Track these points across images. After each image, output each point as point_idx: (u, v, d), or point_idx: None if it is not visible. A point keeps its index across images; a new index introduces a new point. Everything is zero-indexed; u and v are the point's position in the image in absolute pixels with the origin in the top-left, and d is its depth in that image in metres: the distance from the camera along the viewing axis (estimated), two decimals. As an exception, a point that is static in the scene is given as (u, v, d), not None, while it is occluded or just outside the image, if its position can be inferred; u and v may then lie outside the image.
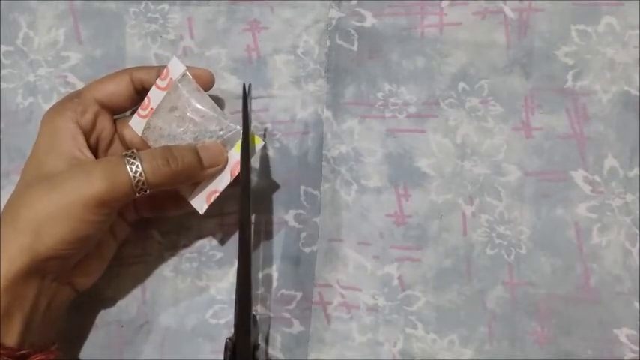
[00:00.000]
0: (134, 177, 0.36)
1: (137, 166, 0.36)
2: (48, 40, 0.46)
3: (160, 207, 0.42)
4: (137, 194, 0.37)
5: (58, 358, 0.38)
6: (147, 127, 0.40)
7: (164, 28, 0.46)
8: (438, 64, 0.45)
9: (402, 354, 0.43)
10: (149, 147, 0.40)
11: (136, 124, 0.40)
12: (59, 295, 0.38)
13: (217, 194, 0.40)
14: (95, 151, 0.40)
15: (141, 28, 0.46)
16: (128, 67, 0.45)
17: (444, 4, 0.45)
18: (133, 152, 0.37)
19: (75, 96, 0.39)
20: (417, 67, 0.45)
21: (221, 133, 0.40)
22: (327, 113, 0.45)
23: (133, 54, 0.46)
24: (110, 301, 0.44)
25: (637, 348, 0.42)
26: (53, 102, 0.45)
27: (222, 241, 0.44)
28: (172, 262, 0.44)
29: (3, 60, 0.46)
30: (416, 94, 0.45)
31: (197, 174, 0.39)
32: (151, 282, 0.44)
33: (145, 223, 0.44)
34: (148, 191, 0.37)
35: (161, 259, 0.44)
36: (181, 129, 0.40)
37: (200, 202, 0.40)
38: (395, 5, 0.45)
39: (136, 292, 0.44)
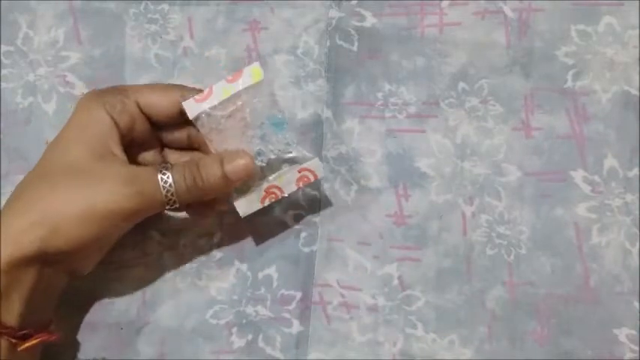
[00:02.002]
0: (166, 195, 0.36)
1: (170, 184, 0.36)
2: (48, 40, 0.46)
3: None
4: (166, 209, 0.37)
5: (59, 339, 0.38)
6: (206, 115, 0.38)
7: (164, 28, 0.46)
8: (438, 64, 0.45)
9: (401, 354, 0.43)
10: (192, 143, 0.40)
11: (191, 107, 0.38)
12: (56, 280, 0.38)
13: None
14: (127, 151, 0.38)
15: (141, 29, 0.46)
16: (128, 67, 0.46)
17: (444, 4, 0.45)
18: (167, 167, 0.36)
19: (118, 92, 0.38)
20: (416, 67, 0.45)
21: (287, 153, 0.40)
22: (327, 113, 0.45)
23: (132, 54, 0.46)
24: (110, 303, 0.44)
25: (637, 348, 0.42)
26: (53, 102, 0.45)
27: (222, 241, 0.44)
28: (172, 262, 0.44)
29: (3, 60, 0.46)
30: (416, 94, 0.45)
31: (223, 189, 0.38)
32: (150, 283, 0.44)
33: (144, 224, 0.44)
34: (177, 206, 0.37)
35: (161, 259, 0.44)
36: (247, 134, 0.39)
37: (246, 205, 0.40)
38: (395, 5, 0.46)
39: (136, 293, 0.44)
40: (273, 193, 0.40)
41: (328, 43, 0.46)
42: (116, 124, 0.37)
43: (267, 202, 0.40)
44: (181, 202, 0.37)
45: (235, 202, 0.40)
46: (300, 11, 0.46)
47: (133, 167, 0.37)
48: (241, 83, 0.38)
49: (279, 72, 0.46)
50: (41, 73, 0.46)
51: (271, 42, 0.46)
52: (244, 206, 0.40)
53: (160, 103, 0.38)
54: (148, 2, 0.46)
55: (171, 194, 0.36)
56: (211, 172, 0.37)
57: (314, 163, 0.40)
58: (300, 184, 0.40)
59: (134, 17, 0.46)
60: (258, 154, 0.39)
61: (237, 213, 0.45)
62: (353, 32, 0.45)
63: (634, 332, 0.42)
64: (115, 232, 0.36)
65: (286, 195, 0.40)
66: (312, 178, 0.40)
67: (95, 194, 0.35)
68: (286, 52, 0.46)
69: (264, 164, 0.40)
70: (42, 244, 0.34)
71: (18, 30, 0.46)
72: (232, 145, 0.39)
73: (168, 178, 0.36)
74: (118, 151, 0.37)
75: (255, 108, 0.39)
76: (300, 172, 0.40)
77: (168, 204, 0.36)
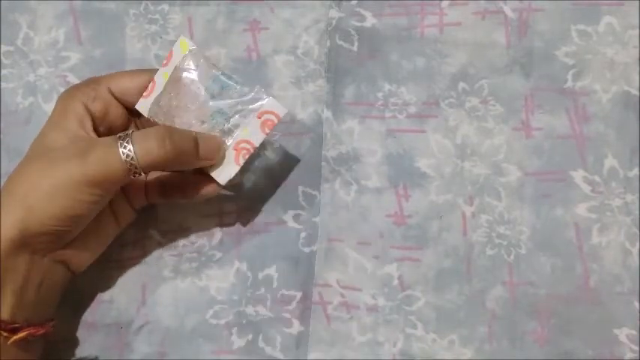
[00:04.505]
0: (126, 160, 0.36)
1: (129, 149, 0.36)
2: (48, 40, 0.46)
3: (170, 194, 0.42)
4: (132, 176, 0.37)
5: (50, 333, 0.38)
6: (155, 104, 0.39)
7: (164, 28, 0.46)
8: (438, 64, 0.45)
9: (401, 354, 0.43)
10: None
11: (142, 105, 0.40)
12: (53, 273, 0.38)
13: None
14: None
15: (141, 29, 0.46)
16: (128, 67, 0.46)
17: (444, 4, 0.45)
18: (127, 134, 0.37)
19: (91, 82, 0.40)
20: (416, 67, 0.45)
21: (243, 99, 0.39)
22: (327, 113, 0.45)
23: (132, 54, 0.46)
24: (109, 303, 0.44)
25: (637, 348, 0.42)
26: (53, 102, 0.45)
27: (222, 241, 0.44)
28: (172, 262, 0.44)
29: (3, 60, 0.46)
30: (416, 94, 0.45)
31: (191, 161, 0.38)
32: (150, 283, 0.44)
33: (144, 223, 0.44)
34: (142, 174, 0.37)
35: (161, 259, 0.44)
36: (197, 102, 0.39)
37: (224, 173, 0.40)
38: (395, 5, 0.46)
39: (136, 292, 0.44)
40: (244, 148, 0.39)
41: (328, 43, 0.46)
42: (89, 111, 0.39)
43: (242, 161, 0.39)
44: (144, 169, 0.37)
45: (212, 173, 0.40)
46: (300, 11, 0.46)
47: (93, 138, 0.38)
48: (174, 61, 0.39)
49: (280, 72, 0.46)
50: (41, 73, 0.46)
51: (271, 42, 0.46)
52: (223, 173, 0.39)
53: (130, 87, 0.40)
54: (148, 3, 0.46)
55: (132, 159, 0.36)
56: (184, 139, 0.38)
57: (269, 103, 0.39)
58: (267, 130, 0.39)
59: (134, 18, 0.46)
60: (218, 112, 0.39)
61: (236, 213, 0.45)
62: (353, 32, 0.46)
63: (634, 332, 0.42)
64: (87, 205, 0.36)
65: (257, 146, 0.39)
66: (275, 120, 0.39)
67: (60, 168, 0.36)
68: (286, 52, 0.46)
69: (227, 123, 0.39)
70: (22, 226, 0.35)
71: (18, 30, 0.46)
72: (189, 118, 0.39)
73: (127, 143, 0.36)
74: (90, 133, 0.38)
75: (195, 77, 0.39)
76: (259, 117, 0.39)
77: (130, 171, 0.36)
